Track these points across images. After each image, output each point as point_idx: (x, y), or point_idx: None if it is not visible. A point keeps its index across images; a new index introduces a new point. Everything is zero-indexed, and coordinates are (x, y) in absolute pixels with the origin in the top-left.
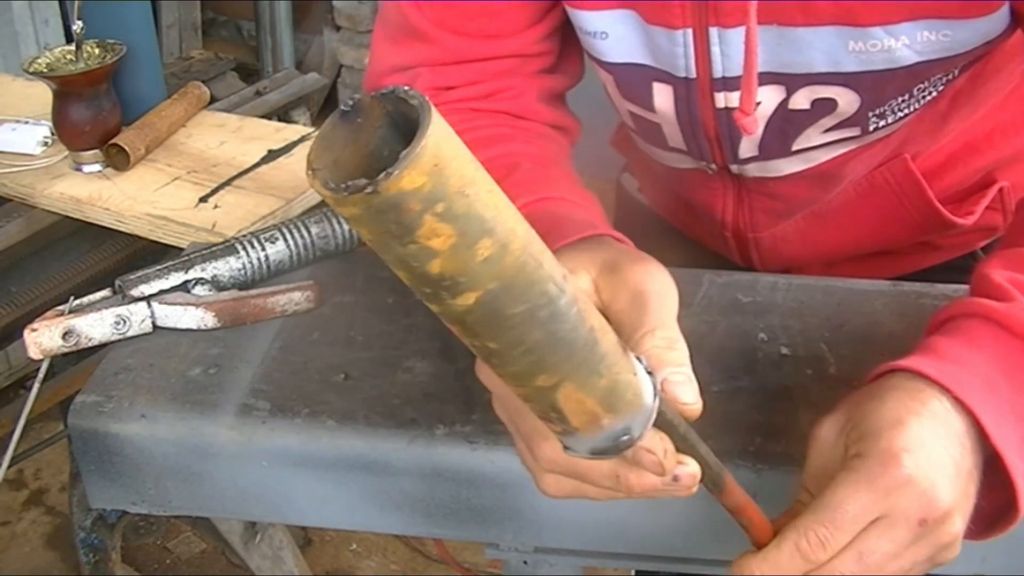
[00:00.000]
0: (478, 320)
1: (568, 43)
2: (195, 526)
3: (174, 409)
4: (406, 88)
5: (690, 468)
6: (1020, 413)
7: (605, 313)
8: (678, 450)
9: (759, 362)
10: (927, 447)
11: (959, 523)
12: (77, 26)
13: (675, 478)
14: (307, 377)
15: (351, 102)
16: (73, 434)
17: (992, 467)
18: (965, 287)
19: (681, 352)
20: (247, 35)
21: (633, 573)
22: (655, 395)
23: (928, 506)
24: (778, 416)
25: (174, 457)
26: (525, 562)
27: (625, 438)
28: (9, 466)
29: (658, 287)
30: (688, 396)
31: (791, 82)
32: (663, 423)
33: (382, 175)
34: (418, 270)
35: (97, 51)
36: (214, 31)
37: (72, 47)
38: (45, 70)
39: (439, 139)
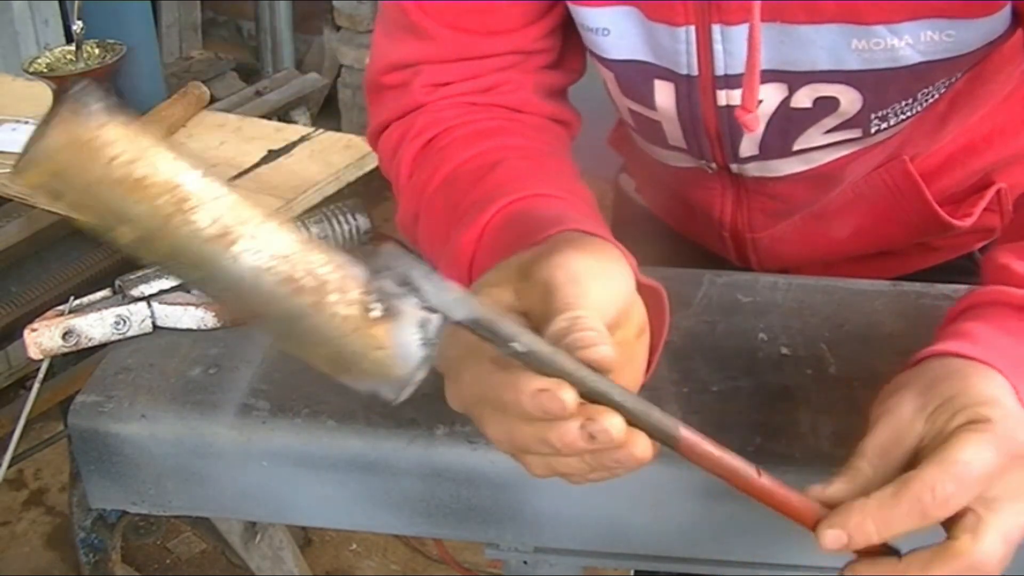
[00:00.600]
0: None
1: (569, 39)
2: (195, 526)
3: (174, 409)
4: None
5: (602, 423)
6: None
7: (529, 320)
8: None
9: (759, 362)
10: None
11: None
12: (77, 26)
13: (591, 435)
14: (307, 377)
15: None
16: (73, 434)
17: None
18: (964, 287)
19: (584, 327)
20: (247, 35)
21: (633, 573)
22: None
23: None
24: (778, 416)
25: (174, 457)
26: (525, 562)
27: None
28: (9, 466)
29: (567, 274)
30: (598, 355)
31: (793, 80)
32: (575, 381)
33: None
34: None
35: (97, 51)
36: (214, 31)
37: (72, 47)
38: (45, 70)
39: (54, 147)
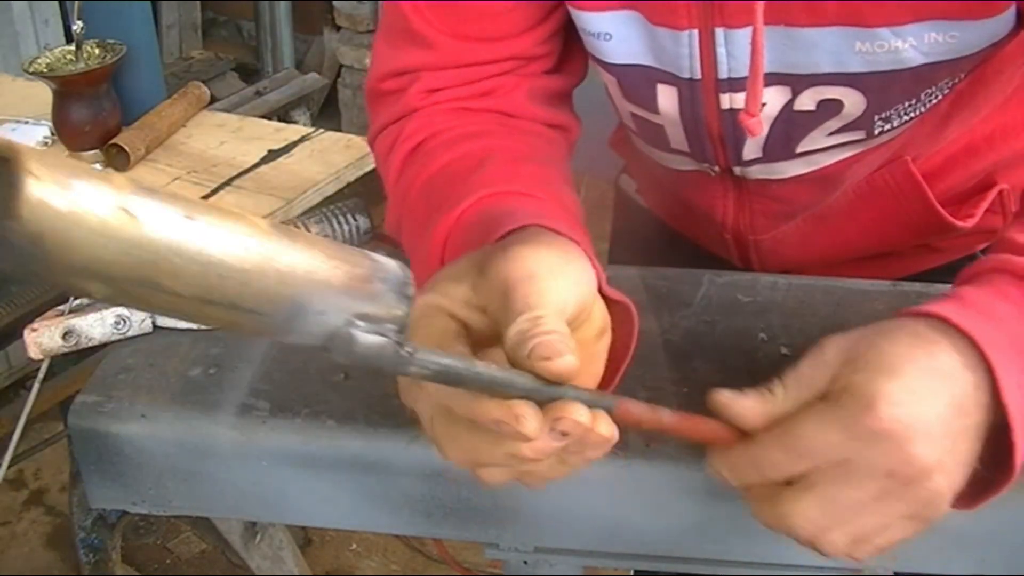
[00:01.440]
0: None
1: (570, 43)
2: (195, 526)
3: (174, 409)
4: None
5: (569, 417)
6: None
7: (487, 317)
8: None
9: (759, 362)
10: (915, 401)
11: (940, 481)
12: (77, 26)
13: (562, 433)
14: (307, 377)
15: None
16: (73, 434)
17: (997, 431)
18: None
19: (545, 329)
20: (247, 35)
21: (633, 573)
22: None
23: (899, 460)
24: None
25: (174, 457)
26: (525, 562)
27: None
28: (9, 466)
29: (524, 270)
30: (562, 366)
31: (796, 83)
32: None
33: None
34: None
35: (97, 51)
36: (214, 31)
37: (72, 47)
38: (45, 70)
39: None
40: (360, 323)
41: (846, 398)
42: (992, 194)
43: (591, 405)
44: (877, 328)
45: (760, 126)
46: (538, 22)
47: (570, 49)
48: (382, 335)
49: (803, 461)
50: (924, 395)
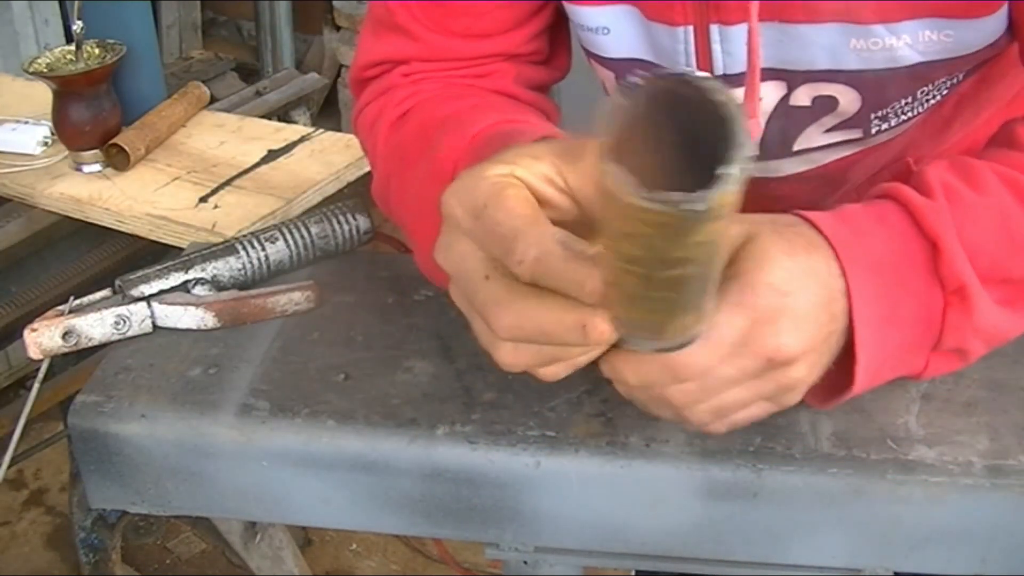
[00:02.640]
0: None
1: (556, 40)
2: (195, 526)
3: (174, 409)
4: (704, 78)
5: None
6: (890, 302)
7: (573, 197)
8: None
9: None
10: (797, 291)
11: (803, 370)
12: (77, 26)
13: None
14: (307, 377)
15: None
16: (73, 434)
17: (848, 341)
18: None
19: None
20: (247, 35)
21: (633, 573)
22: None
23: (778, 345)
24: (778, 416)
25: (174, 457)
26: (525, 562)
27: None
28: (9, 466)
29: None
30: None
31: (792, 79)
32: None
33: (710, 191)
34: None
35: (97, 51)
36: (214, 31)
37: (72, 47)
38: (45, 70)
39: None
40: None
41: (737, 283)
42: None
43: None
44: (767, 219)
45: (758, 127)
46: (524, 20)
47: (556, 46)
48: None
49: (721, 352)
50: (803, 287)
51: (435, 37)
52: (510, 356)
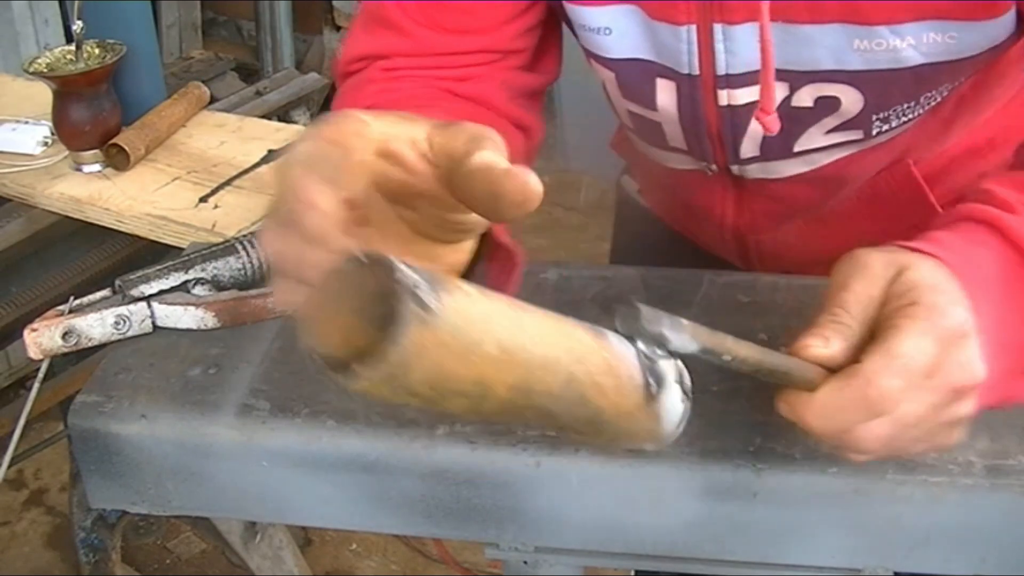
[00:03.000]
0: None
1: (546, 41)
2: (195, 526)
3: (174, 409)
4: (395, 266)
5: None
6: (1003, 324)
7: (437, 156)
8: None
9: None
10: (967, 315)
11: (971, 405)
12: (77, 26)
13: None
14: (307, 377)
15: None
16: (73, 434)
17: None
18: None
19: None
20: (247, 35)
21: (633, 573)
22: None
23: (968, 373)
24: (778, 416)
25: (174, 457)
26: (525, 562)
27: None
28: (9, 466)
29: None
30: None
31: (795, 79)
32: None
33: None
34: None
35: (97, 51)
36: (214, 31)
37: (72, 47)
38: (45, 70)
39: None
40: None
41: (922, 310)
42: None
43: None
44: (898, 249)
45: (776, 123)
46: (516, 16)
47: (544, 47)
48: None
49: (917, 382)
50: (965, 312)
51: (423, 31)
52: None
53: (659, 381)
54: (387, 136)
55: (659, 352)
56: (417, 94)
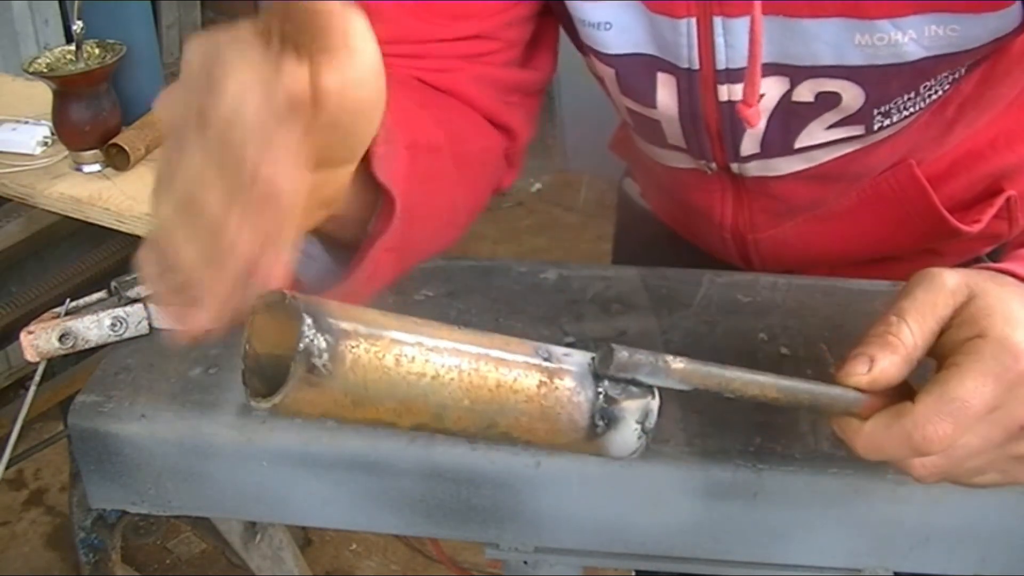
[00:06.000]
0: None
1: (540, 36)
2: (195, 526)
3: (174, 409)
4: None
5: None
6: None
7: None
8: None
9: (759, 362)
10: None
11: None
12: (77, 26)
13: None
14: None
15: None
16: (73, 434)
17: None
18: None
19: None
20: None
21: (633, 573)
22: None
23: None
24: (778, 416)
25: (174, 457)
26: (525, 562)
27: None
28: (9, 466)
29: None
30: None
31: (795, 74)
32: None
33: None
34: None
35: (97, 51)
36: None
37: (72, 47)
38: (45, 70)
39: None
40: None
41: (989, 346)
42: (1000, 200)
43: (842, 408)
44: (976, 271)
45: (758, 116)
46: (507, 6)
47: (538, 42)
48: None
49: (971, 425)
50: None
51: (407, 18)
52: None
53: (611, 421)
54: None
55: (633, 390)
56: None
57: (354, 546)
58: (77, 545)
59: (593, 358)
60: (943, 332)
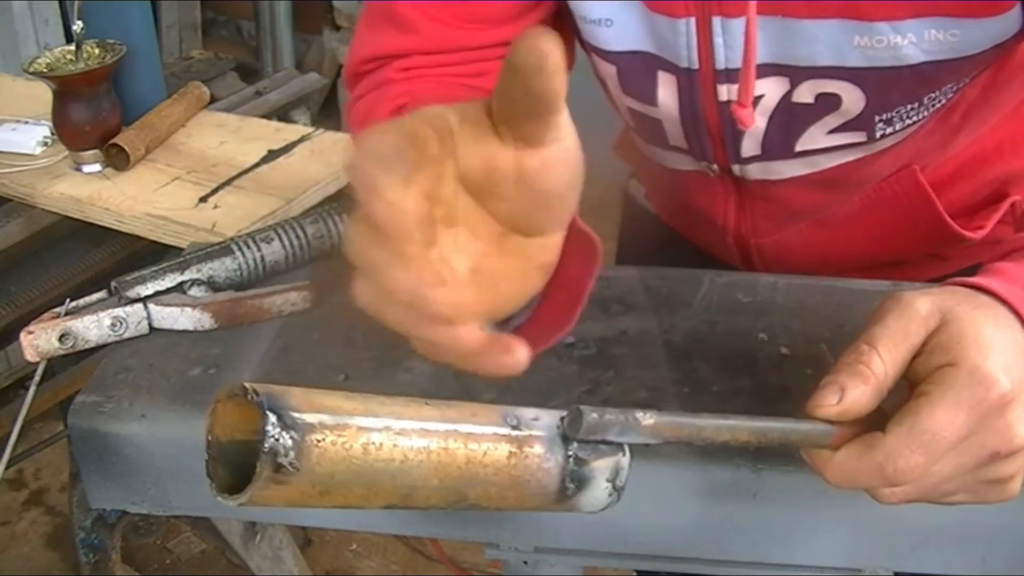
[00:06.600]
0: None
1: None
2: (195, 526)
3: (174, 409)
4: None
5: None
6: None
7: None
8: None
9: (759, 362)
10: (1018, 378)
11: (1020, 462)
12: (77, 26)
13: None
14: (307, 377)
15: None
16: (73, 434)
17: None
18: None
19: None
20: (247, 35)
21: (633, 573)
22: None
23: (1012, 437)
24: (778, 416)
25: (174, 457)
26: (525, 562)
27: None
28: (9, 466)
29: None
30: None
31: (795, 75)
32: None
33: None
34: None
35: (97, 51)
36: (214, 31)
37: (72, 47)
38: (45, 70)
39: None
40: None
41: (960, 375)
42: (1004, 206)
43: (805, 441)
44: (949, 293)
45: (752, 117)
46: (529, 7)
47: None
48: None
49: (942, 455)
50: (1019, 373)
51: (436, 26)
52: (359, 289)
53: (581, 483)
54: (462, 120)
55: (603, 448)
56: (440, 92)
57: (354, 546)
58: (77, 545)
59: (562, 418)
60: (915, 358)
